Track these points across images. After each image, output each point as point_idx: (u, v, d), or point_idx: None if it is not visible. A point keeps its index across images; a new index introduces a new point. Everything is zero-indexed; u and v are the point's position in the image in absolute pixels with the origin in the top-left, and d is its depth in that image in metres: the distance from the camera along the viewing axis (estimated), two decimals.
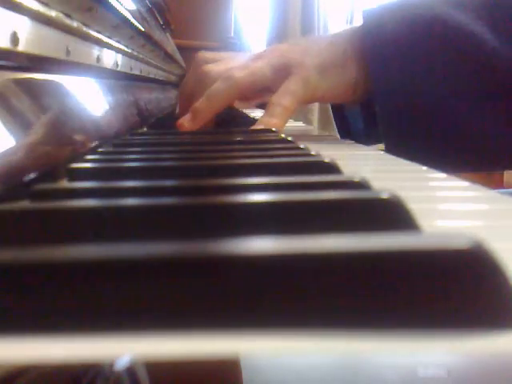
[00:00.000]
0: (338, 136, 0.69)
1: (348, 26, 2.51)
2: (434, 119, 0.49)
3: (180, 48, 1.46)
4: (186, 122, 0.55)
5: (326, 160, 0.28)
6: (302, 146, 0.38)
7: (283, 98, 0.53)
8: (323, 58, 0.54)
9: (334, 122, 0.74)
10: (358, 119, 0.66)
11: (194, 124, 0.55)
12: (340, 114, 0.67)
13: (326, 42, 0.55)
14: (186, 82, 0.63)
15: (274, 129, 0.55)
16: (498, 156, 0.51)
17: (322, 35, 0.57)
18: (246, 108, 0.94)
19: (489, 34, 0.46)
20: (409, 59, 0.48)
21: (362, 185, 0.22)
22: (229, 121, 0.68)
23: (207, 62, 0.59)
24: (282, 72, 0.54)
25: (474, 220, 0.20)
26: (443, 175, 0.30)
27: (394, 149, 0.47)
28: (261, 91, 0.57)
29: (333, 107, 0.71)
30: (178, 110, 0.64)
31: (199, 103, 0.55)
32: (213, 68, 0.58)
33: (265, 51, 0.59)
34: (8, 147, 0.25)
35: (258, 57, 0.57)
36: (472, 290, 0.12)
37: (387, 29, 0.49)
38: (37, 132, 0.29)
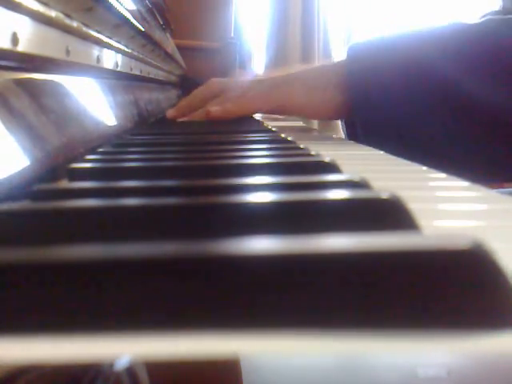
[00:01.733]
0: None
1: (347, 25, 2.51)
2: (412, 143, 0.57)
3: (180, 48, 1.46)
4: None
5: (326, 160, 0.28)
6: (301, 146, 0.38)
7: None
8: (308, 81, 0.63)
9: (334, 123, 0.81)
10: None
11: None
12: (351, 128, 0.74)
13: (314, 69, 0.66)
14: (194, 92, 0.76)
15: (274, 129, 0.55)
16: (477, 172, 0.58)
17: (312, 66, 0.72)
18: None
19: (465, 76, 0.54)
20: (386, 94, 0.56)
21: (361, 185, 0.22)
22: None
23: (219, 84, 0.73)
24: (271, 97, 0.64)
25: (474, 220, 0.20)
26: (443, 175, 0.30)
27: None
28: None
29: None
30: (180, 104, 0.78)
31: (196, 114, 0.69)
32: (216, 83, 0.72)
33: (261, 80, 0.71)
34: (8, 147, 0.25)
35: (253, 86, 0.68)
36: (472, 290, 0.12)
37: (368, 64, 0.58)
38: (37, 132, 0.29)
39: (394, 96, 0.56)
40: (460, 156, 0.55)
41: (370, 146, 0.59)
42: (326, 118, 0.67)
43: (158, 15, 1.05)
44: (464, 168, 0.57)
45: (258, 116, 0.93)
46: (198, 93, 0.74)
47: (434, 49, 0.55)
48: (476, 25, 0.56)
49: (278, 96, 0.63)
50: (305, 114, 0.68)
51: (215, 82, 0.74)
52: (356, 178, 0.22)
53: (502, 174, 0.59)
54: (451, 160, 0.55)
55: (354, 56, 0.59)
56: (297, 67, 0.74)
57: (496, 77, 0.52)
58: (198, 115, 0.69)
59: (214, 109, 0.65)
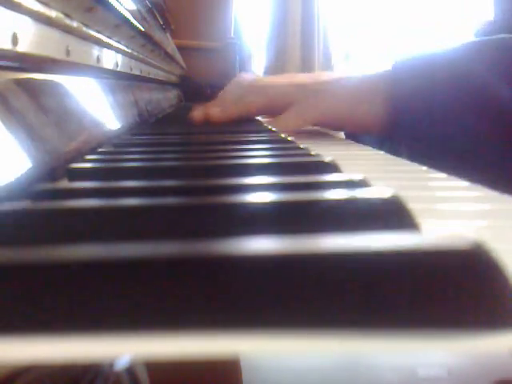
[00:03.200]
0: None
1: (347, 27, 2.51)
2: (457, 160, 0.55)
3: (180, 48, 1.46)
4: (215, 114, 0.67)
5: (326, 160, 0.28)
6: (302, 146, 0.38)
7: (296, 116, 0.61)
8: (351, 91, 0.61)
9: None
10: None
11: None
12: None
13: (355, 79, 0.64)
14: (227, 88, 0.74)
15: (274, 129, 0.55)
16: None
17: (353, 76, 0.70)
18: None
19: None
20: (432, 112, 0.56)
21: (362, 185, 0.22)
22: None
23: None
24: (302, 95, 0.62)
25: (475, 220, 0.20)
26: (443, 175, 0.30)
27: None
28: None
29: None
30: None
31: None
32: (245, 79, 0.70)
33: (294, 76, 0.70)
34: (8, 147, 0.25)
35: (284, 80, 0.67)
36: (472, 290, 0.12)
37: (415, 82, 0.57)
38: (37, 132, 0.29)
39: (440, 110, 0.56)
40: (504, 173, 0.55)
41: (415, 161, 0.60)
42: (366, 131, 0.66)
43: (158, 15, 1.05)
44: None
45: (258, 116, 0.92)
46: (230, 93, 0.71)
47: (482, 63, 0.55)
48: None
49: (321, 113, 0.61)
50: (343, 127, 0.67)
51: (247, 82, 0.70)
52: (356, 177, 0.22)
53: None
54: (495, 175, 0.56)
55: (401, 69, 0.59)
56: (330, 74, 0.73)
57: None
58: (231, 114, 0.66)
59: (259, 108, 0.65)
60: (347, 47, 2.51)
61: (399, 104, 0.58)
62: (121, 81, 0.62)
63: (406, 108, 0.57)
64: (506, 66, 0.54)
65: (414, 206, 0.18)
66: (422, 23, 2.40)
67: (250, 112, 0.68)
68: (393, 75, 0.59)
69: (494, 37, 0.58)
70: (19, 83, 0.31)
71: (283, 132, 0.60)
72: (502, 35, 0.58)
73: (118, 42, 0.59)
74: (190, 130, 0.60)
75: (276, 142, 0.44)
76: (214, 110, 0.67)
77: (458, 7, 2.33)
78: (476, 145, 0.55)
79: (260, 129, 0.58)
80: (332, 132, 0.74)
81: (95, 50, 0.50)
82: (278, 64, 2.31)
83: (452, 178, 0.29)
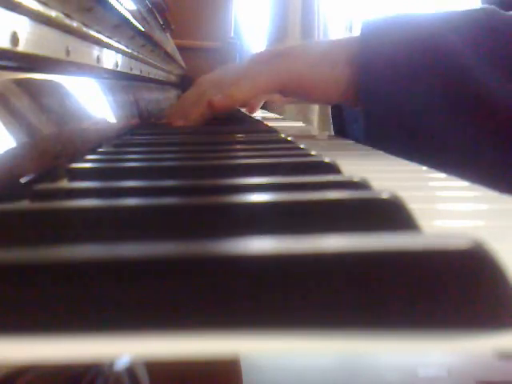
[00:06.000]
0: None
1: (347, 26, 2.52)
2: (415, 132, 0.52)
3: (180, 48, 1.46)
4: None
5: (326, 160, 0.28)
6: (302, 146, 0.38)
7: (257, 76, 0.57)
8: (314, 54, 0.56)
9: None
10: (359, 121, 0.68)
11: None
12: (339, 117, 0.71)
13: (319, 44, 0.61)
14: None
15: (273, 128, 0.55)
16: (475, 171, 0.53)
17: (316, 41, 0.62)
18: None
19: (478, 64, 0.50)
20: (398, 75, 0.51)
21: (361, 185, 0.22)
22: (229, 119, 0.69)
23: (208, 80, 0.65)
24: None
25: (474, 220, 0.20)
26: (443, 175, 0.30)
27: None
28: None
29: (332, 109, 0.75)
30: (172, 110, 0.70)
31: (192, 117, 0.62)
32: (205, 80, 0.65)
33: (254, 64, 0.61)
34: (8, 147, 0.25)
35: (246, 74, 0.60)
36: (472, 290, 0.12)
37: (383, 42, 0.52)
38: (37, 132, 0.29)
39: (406, 79, 0.51)
40: (460, 148, 0.51)
41: (368, 134, 0.54)
42: (333, 100, 0.60)
43: (158, 15, 1.05)
44: (469, 163, 0.50)
45: (257, 116, 0.93)
46: (189, 94, 0.67)
47: (451, 32, 0.51)
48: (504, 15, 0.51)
49: (279, 75, 0.56)
50: (309, 95, 0.60)
51: (205, 78, 0.66)
52: (356, 178, 0.22)
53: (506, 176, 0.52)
54: (454, 151, 0.51)
55: (369, 32, 0.54)
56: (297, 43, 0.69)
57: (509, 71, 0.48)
58: (194, 117, 0.62)
59: (217, 98, 0.58)
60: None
61: (363, 65, 0.52)
62: (121, 81, 0.62)
63: (369, 69, 0.51)
64: (478, 38, 0.50)
65: (413, 206, 0.18)
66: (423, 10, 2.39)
67: (213, 108, 0.61)
68: (360, 35, 0.54)
69: (474, 10, 0.53)
70: (19, 83, 0.31)
71: (236, 103, 0.57)
72: (484, 6, 0.53)
73: (118, 42, 0.59)
74: (190, 130, 0.60)
75: (276, 141, 0.44)
76: (176, 118, 0.62)
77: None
78: (439, 120, 0.50)
79: (260, 128, 0.58)
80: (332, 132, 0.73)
81: (95, 50, 0.50)
82: None
83: (452, 177, 0.29)
